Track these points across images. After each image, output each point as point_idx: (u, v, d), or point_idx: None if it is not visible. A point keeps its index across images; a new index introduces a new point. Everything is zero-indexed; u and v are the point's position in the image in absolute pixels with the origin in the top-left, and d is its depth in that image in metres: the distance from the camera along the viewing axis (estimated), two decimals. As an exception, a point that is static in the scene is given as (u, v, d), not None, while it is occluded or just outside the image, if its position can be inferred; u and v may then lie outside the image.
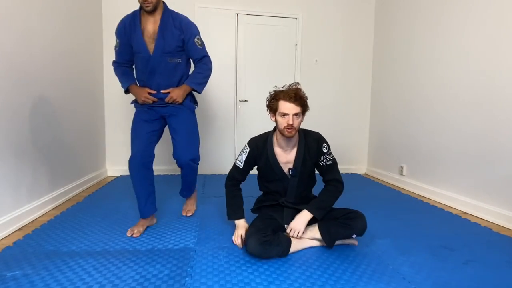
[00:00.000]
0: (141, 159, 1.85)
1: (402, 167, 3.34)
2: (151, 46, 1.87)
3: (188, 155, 1.95)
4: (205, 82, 2.00)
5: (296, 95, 1.57)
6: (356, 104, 4.02)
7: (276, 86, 1.70)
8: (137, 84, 2.01)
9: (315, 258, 1.61)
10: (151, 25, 1.87)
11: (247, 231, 1.70)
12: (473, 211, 2.45)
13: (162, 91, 1.93)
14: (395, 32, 3.49)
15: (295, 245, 1.67)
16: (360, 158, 4.13)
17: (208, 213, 2.29)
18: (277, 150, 1.73)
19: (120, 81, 2.00)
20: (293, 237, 1.66)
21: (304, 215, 1.68)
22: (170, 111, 1.97)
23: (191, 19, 3.50)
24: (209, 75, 2.02)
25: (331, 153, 1.75)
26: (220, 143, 3.76)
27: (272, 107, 1.64)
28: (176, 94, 1.91)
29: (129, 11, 3.63)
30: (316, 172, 1.84)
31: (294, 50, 3.82)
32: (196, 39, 1.93)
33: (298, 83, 1.65)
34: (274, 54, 3.78)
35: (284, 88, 1.63)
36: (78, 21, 2.87)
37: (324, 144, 1.73)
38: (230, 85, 3.73)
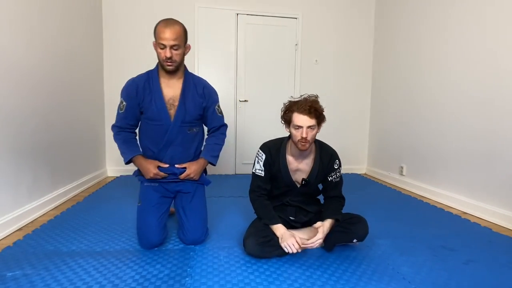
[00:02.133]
0: (152, 247, 1.66)
1: (402, 167, 3.34)
2: (170, 113, 1.66)
3: (199, 238, 1.71)
4: (219, 154, 1.83)
5: (310, 107, 1.48)
6: (356, 104, 4.02)
7: (292, 97, 1.63)
8: (142, 155, 1.71)
9: (315, 258, 1.61)
10: (170, 89, 1.66)
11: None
12: (473, 211, 2.45)
13: (176, 166, 1.70)
14: (395, 32, 3.49)
15: None
16: (360, 158, 4.13)
17: (208, 213, 2.29)
18: (289, 158, 1.68)
19: (122, 150, 1.71)
20: (312, 246, 1.58)
21: (326, 224, 1.61)
22: (184, 188, 1.75)
23: (191, 19, 3.57)
24: (223, 146, 1.85)
25: (340, 171, 1.73)
26: (220, 143, 3.75)
27: (286, 119, 1.58)
28: (194, 170, 1.69)
29: (128, 10, 3.62)
30: None
31: (294, 50, 3.82)
32: (217, 107, 1.79)
33: (317, 95, 1.57)
34: (274, 54, 3.78)
35: (299, 99, 1.55)
36: (78, 21, 2.87)
37: (336, 161, 1.70)
38: (230, 85, 3.73)
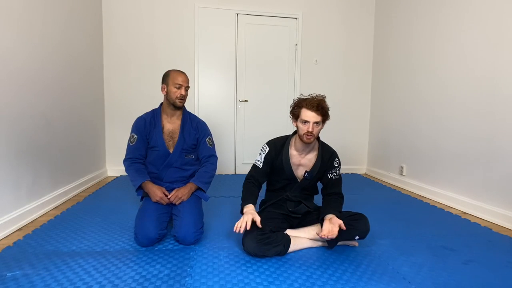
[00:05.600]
0: (148, 242, 1.71)
1: (402, 167, 3.34)
2: (169, 143, 1.96)
3: (192, 237, 1.74)
4: (210, 182, 2.02)
5: (318, 105, 1.62)
6: (356, 104, 4.03)
7: (301, 94, 1.79)
8: (151, 181, 1.93)
9: (315, 258, 1.62)
10: (170, 124, 1.98)
11: (253, 220, 1.56)
12: (473, 211, 2.45)
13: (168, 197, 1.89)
14: (395, 32, 3.49)
15: (295, 245, 1.67)
16: (360, 158, 4.13)
17: (208, 213, 2.29)
18: (293, 152, 1.78)
19: (133, 178, 1.89)
20: (328, 237, 1.57)
21: (332, 218, 1.63)
22: None
23: (191, 19, 3.58)
24: (213, 175, 2.05)
25: (340, 170, 1.82)
26: (220, 143, 3.76)
27: (295, 114, 1.70)
28: (181, 192, 1.88)
29: (128, 10, 3.64)
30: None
31: (294, 50, 3.82)
32: (207, 139, 2.06)
33: (324, 95, 1.70)
34: (274, 54, 3.78)
35: (308, 97, 1.68)
36: (78, 21, 2.87)
37: (336, 159, 1.80)
38: (230, 85, 3.73)
